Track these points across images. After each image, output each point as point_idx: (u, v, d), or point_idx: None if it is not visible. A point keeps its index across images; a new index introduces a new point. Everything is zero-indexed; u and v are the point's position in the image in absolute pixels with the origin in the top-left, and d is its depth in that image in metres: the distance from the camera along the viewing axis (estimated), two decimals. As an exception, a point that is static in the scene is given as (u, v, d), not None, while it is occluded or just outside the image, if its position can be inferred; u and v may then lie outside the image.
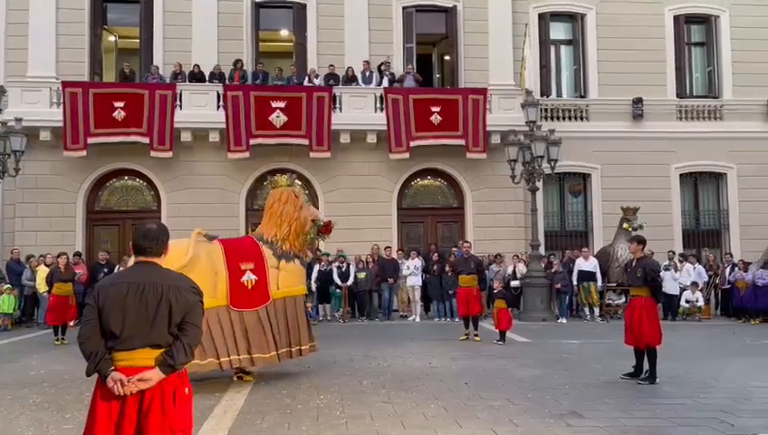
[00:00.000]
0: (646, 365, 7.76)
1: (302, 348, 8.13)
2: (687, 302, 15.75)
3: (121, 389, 3.02)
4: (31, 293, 14.73)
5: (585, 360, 9.48)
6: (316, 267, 15.41)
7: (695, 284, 15.86)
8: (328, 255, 15.93)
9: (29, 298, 14.85)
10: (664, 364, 7.96)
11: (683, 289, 15.86)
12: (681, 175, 19.13)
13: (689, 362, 9.24)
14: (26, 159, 15.91)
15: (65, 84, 16.32)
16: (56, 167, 16.71)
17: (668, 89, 19.30)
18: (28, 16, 17.25)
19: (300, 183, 10.11)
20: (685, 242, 18.85)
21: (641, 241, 8.31)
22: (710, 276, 16.74)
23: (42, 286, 13.35)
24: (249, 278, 7.95)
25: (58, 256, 12.77)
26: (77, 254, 15.31)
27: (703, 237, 19.32)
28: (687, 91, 19.64)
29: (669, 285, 15.68)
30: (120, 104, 16.25)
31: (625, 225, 15.57)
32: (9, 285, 14.13)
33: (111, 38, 19.23)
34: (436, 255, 16.24)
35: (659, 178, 18.67)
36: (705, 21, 19.84)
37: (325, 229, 8.59)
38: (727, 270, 16.17)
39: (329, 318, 15.62)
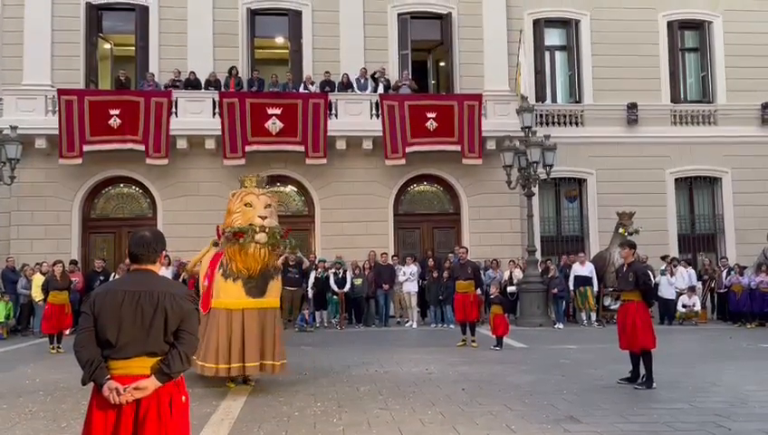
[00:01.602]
0: (642, 370, 7.77)
1: (202, 364, 7.52)
2: (684, 306, 15.77)
3: (117, 397, 3.01)
4: (26, 301, 14.66)
5: (582, 365, 9.48)
6: (312, 274, 15.40)
7: (691, 288, 15.89)
8: (324, 261, 15.92)
9: (25, 307, 14.78)
10: (661, 369, 7.98)
11: (679, 293, 15.89)
12: (676, 180, 19.19)
13: (686, 366, 9.25)
14: (21, 167, 15.88)
15: (61, 92, 16.30)
16: (51, 174, 16.67)
17: (663, 94, 19.39)
18: (23, 24, 17.25)
19: (272, 186, 8.67)
20: (680, 246, 18.89)
21: (633, 246, 8.38)
22: (705, 281, 16.79)
23: (37, 295, 13.29)
24: (203, 284, 8.20)
25: (54, 264, 12.71)
26: (73, 262, 15.26)
27: (698, 242, 19.37)
28: (682, 97, 19.73)
29: (665, 289, 15.75)
30: (116, 112, 16.23)
31: (621, 230, 15.60)
32: None
33: (107, 46, 19.23)
34: (431, 260, 16.24)
35: (654, 183, 18.73)
36: (699, 27, 19.96)
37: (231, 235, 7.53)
38: (723, 274, 16.22)
39: (325, 325, 15.59)
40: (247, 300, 7.58)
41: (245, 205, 7.62)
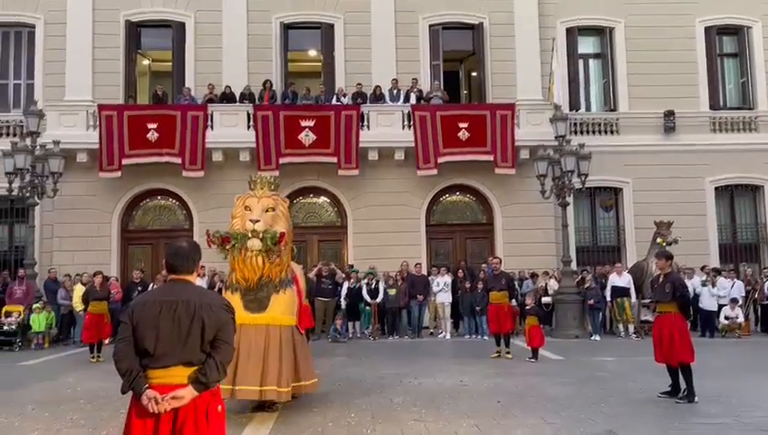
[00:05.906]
0: (683, 383, 7.56)
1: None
2: (727, 318, 15.30)
3: (155, 406, 3.05)
4: (67, 311, 15.02)
5: (620, 377, 9.28)
6: (345, 284, 15.44)
7: (734, 300, 15.42)
8: (357, 271, 15.94)
9: (65, 317, 15.14)
10: (703, 382, 7.75)
11: (721, 305, 15.44)
12: (716, 188, 18.72)
13: (729, 380, 8.97)
14: (63, 181, 16.31)
15: (101, 107, 16.75)
16: (92, 188, 17.11)
17: (701, 101, 18.97)
18: (65, 42, 17.83)
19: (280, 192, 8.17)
20: (722, 257, 18.39)
21: (669, 256, 8.18)
22: (748, 292, 16.27)
23: (78, 305, 13.61)
24: None
25: (94, 274, 13.02)
26: (106, 278, 15.30)
27: (741, 252, 18.83)
28: (721, 103, 19.29)
29: (707, 301, 15.32)
30: (154, 126, 16.60)
31: (659, 239, 15.25)
32: (38, 305, 14.28)
33: (145, 62, 19.72)
34: (460, 271, 16.09)
35: (694, 192, 18.30)
36: (737, 32, 19.52)
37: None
38: (766, 285, 15.72)
39: (358, 335, 15.59)
40: (244, 314, 6.61)
41: (245, 208, 6.97)
